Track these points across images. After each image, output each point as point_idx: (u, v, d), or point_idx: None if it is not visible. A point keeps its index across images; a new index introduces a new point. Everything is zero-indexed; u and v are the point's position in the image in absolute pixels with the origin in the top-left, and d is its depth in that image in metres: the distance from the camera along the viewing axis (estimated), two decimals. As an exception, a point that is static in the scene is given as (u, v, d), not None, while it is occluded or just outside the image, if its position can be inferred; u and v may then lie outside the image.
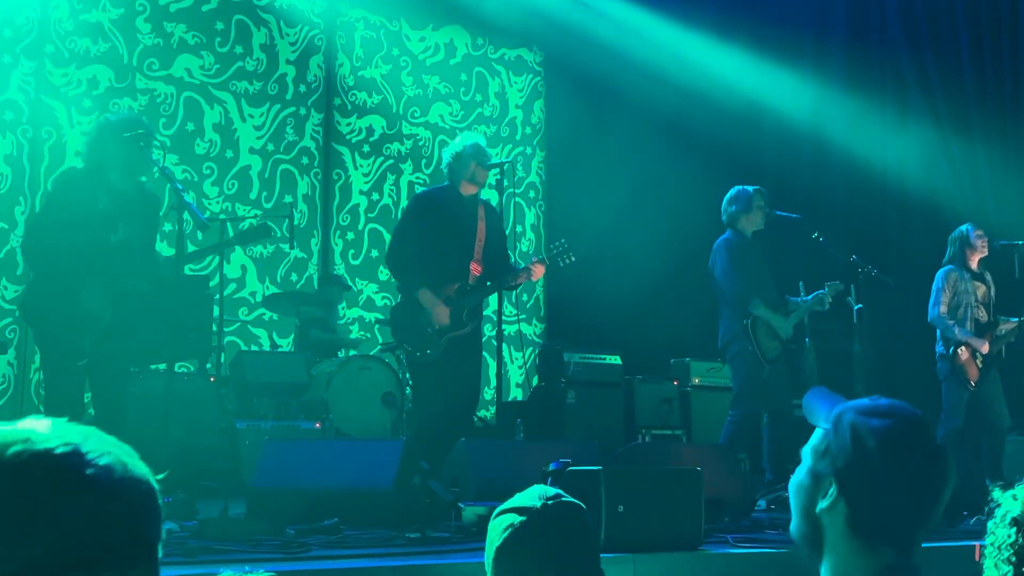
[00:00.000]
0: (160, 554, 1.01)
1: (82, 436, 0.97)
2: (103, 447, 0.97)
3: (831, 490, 1.46)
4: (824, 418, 1.51)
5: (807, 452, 1.51)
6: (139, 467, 0.99)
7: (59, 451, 0.94)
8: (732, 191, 6.22)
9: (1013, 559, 1.42)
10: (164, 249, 7.78)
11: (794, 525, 1.54)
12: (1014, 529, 1.43)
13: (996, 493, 1.48)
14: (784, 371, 6.18)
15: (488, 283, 5.49)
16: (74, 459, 0.94)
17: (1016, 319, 6.50)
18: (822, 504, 1.47)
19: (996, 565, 1.43)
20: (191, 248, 5.00)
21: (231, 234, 8.09)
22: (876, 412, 1.47)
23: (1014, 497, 1.46)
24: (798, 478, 1.52)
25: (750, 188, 6.19)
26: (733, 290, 6.03)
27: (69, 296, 4.33)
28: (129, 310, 4.45)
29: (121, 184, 4.54)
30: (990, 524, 1.46)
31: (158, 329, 4.57)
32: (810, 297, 6.18)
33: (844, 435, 1.46)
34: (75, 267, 4.34)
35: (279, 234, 6.62)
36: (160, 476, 1.04)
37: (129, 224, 4.50)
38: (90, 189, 4.46)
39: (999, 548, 1.43)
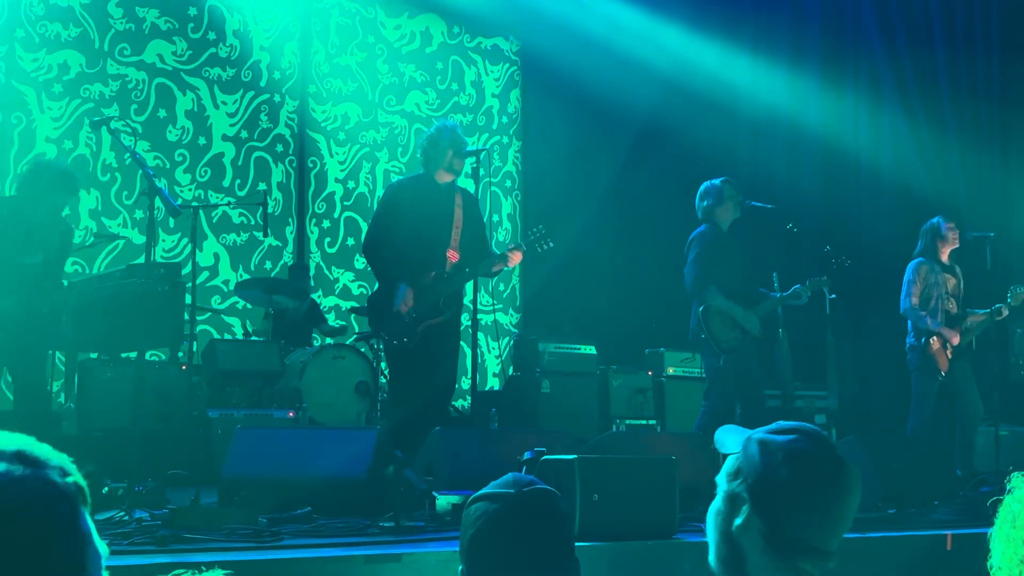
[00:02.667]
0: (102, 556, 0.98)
1: None
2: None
3: (744, 508, 1.53)
4: (735, 446, 1.60)
5: (720, 478, 1.59)
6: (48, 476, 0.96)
7: None
8: (702, 187, 6.21)
9: None
10: (135, 236, 7.74)
11: (712, 551, 1.59)
12: None
13: (1017, 477, 1.49)
14: (756, 362, 6.18)
15: (466, 270, 5.46)
16: None
17: (984, 311, 6.55)
18: (737, 522, 1.53)
19: (1009, 541, 1.43)
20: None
21: (203, 222, 8.04)
22: (781, 430, 1.57)
23: None
24: (714, 506, 1.59)
25: (718, 180, 6.19)
26: (689, 280, 6.04)
27: None
28: (40, 321, 5.05)
29: (42, 218, 5.11)
30: (1009, 499, 1.47)
31: (127, 317, 4.55)
32: (788, 292, 6.17)
33: (753, 453, 1.55)
34: None
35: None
36: (88, 470, 1.00)
37: (44, 251, 5.07)
38: (9, 219, 5.06)
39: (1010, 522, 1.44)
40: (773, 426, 1.59)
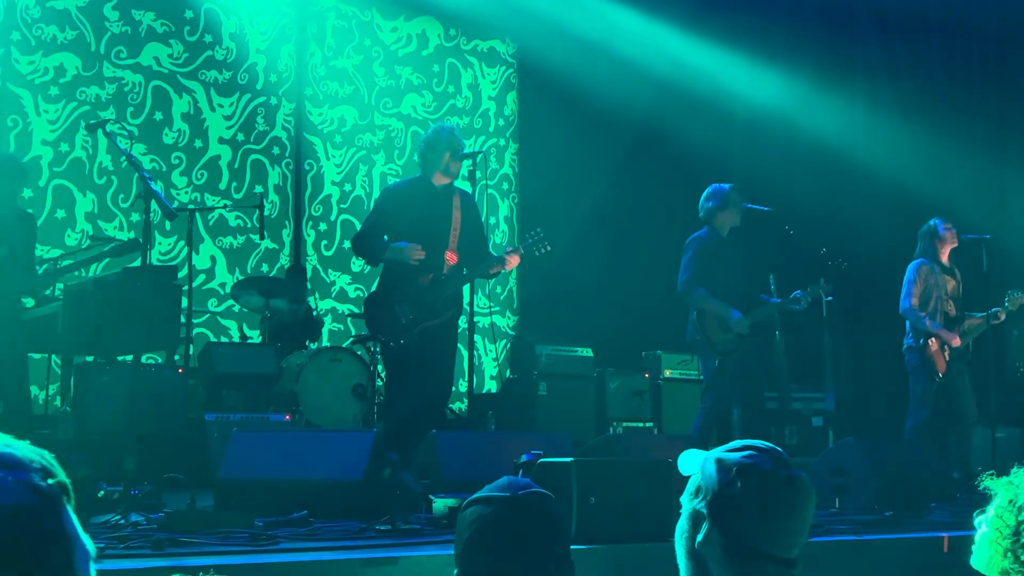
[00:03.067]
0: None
1: None
2: None
3: (705, 524, 1.61)
4: (695, 467, 1.69)
5: (684, 499, 1.67)
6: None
7: None
8: (709, 188, 6.23)
9: None
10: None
11: (681, 571, 1.66)
12: None
13: (988, 481, 1.51)
14: (755, 364, 6.18)
15: (464, 271, 5.45)
16: None
17: (981, 315, 6.55)
18: (699, 538, 1.61)
19: (1007, 554, 1.44)
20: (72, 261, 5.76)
21: (199, 225, 8.03)
22: (736, 448, 1.66)
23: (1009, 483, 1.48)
24: (679, 527, 1.67)
25: (726, 185, 6.20)
26: (679, 282, 6.08)
27: None
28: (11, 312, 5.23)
29: (1, 209, 5.29)
30: (996, 509, 1.48)
31: (123, 320, 4.54)
32: (788, 298, 6.17)
33: (710, 471, 1.63)
34: None
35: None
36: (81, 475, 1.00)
37: (9, 242, 5.20)
38: None
39: (1011, 534, 1.45)
40: (728, 445, 1.69)
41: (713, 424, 6.16)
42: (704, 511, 1.61)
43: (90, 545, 0.99)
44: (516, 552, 1.70)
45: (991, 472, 1.54)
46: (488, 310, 7.68)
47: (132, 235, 7.43)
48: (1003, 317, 6.56)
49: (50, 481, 0.96)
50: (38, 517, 0.93)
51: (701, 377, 6.44)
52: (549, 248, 5.45)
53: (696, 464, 1.68)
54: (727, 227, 6.15)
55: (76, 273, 5.88)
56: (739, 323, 5.99)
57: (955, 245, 6.65)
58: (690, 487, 1.67)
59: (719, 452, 1.66)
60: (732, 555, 1.58)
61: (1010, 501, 1.48)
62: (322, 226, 8.91)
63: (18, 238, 5.32)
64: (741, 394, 6.12)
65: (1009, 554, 1.46)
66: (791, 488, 1.61)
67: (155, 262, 7.44)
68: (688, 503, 1.66)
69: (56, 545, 0.94)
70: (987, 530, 1.50)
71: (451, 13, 9.37)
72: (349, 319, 8.63)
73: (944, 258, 6.63)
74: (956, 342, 6.47)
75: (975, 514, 1.54)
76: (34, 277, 5.40)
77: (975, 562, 1.52)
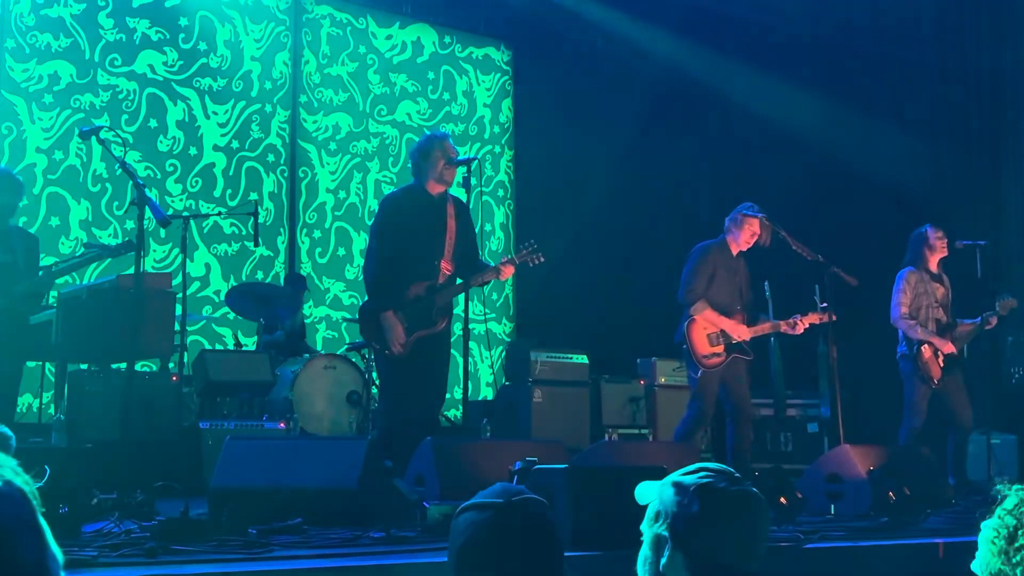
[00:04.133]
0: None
1: None
2: None
3: (667, 547, 1.67)
4: (652, 495, 1.76)
5: (644, 526, 1.74)
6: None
7: None
8: (742, 204, 6.22)
9: None
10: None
11: None
12: None
13: (1000, 486, 1.55)
14: (741, 378, 6.16)
15: (458, 281, 5.45)
16: None
17: (972, 320, 6.55)
18: (663, 562, 1.67)
19: (1000, 554, 1.45)
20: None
21: (194, 232, 8.02)
22: (691, 471, 1.74)
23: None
24: (641, 554, 1.73)
25: (753, 208, 6.14)
26: (679, 291, 6.08)
27: None
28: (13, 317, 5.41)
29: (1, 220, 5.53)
30: (999, 511, 1.50)
31: (117, 328, 4.53)
32: (789, 321, 6.17)
33: (667, 495, 1.70)
34: None
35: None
36: (40, 484, 1.00)
37: (12, 251, 5.44)
38: None
39: (1007, 536, 1.47)
40: (684, 469, 1.76)
41: (694, 432, 6.15)
42: (666, 534, 1.68)
43: (59, 553, 1.00)
44: (510, 559, 1.69)
45: (1006, 478, 1.57)
46: (483, 317, 7.69)
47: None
48: (995, 322, 6.56)
49: (18, 480, 0.97)
50: (14, 504, 0.94)
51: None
52: (543, 259, 5.49)
53: (652, 492, 1.75)
54: (738, 247, 6.15)
55: (69, 280, 5.88)
56: (738, 331, 6.01)
57: (945, 254, 6.63)
58: (649, 514, 1.73)
59: (675, 477, 1.73)
60: (696, 573, 1.64)
61: (1015, 505, 1.50)
62: (316, 233, 8.91)
63: (20, 250, 5.45)
64: (730, 405, 6.09)
65: (1003, 555, 1.47)
66: (746, 503, 1.68)
67: (149, 269, 7.43)
68: (649, 529, 1.72)
69: (31, 537, 0.95)
70: (986, 532, 1.53)
71: (446, 20, 9.39)
72: (344, 326, 8.62)
73: (933, 266, 6.61)
74: (948, 348, 6.46)
75: (998, 511, 1.57)
76: (34, 281, 5.51)
77: (974, 565, 1.54)
